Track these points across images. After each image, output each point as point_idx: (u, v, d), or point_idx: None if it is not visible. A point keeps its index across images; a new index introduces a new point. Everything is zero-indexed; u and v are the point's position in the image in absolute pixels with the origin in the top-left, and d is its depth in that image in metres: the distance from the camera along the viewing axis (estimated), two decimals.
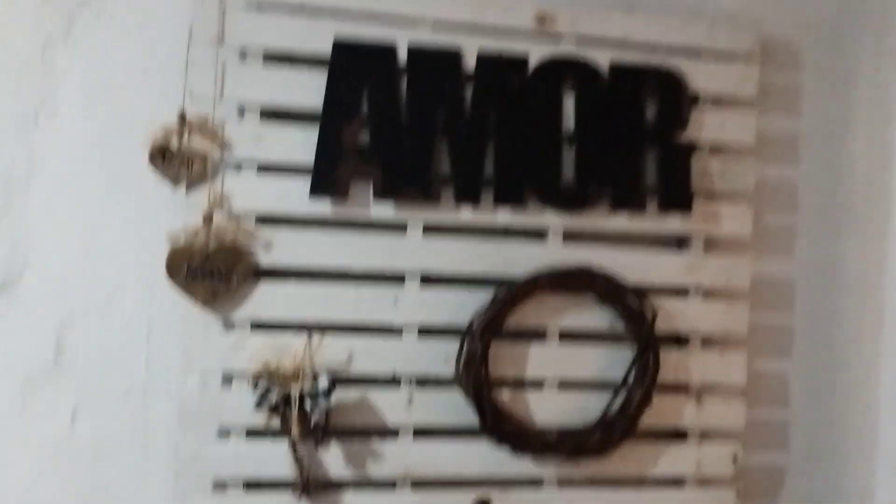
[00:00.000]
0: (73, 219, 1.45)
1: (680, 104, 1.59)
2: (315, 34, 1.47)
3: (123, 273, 1.47)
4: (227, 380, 1.45)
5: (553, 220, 1.55)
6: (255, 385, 1.41)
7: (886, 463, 1.71)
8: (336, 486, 1.47)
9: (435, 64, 1.50)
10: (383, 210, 1.49)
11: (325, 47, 1.46)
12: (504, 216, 1.54)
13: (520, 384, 1.55)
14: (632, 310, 1.55)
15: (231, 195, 1.43)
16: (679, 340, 1.62)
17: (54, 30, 1.45)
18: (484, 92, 1.52)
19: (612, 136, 1.56)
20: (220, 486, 1.44)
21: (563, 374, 1.56)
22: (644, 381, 1.55)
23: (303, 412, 1.40)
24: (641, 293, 1.56)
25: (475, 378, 1.48)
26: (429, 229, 1.52)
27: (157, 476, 1.47)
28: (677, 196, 1.59)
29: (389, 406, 1.49)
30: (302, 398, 1.40)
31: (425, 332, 1.51)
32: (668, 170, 1.59)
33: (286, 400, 1.40)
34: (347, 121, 1.46)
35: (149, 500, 1.47)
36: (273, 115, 1.47)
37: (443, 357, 1.51)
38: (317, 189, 1.45)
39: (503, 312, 1.50)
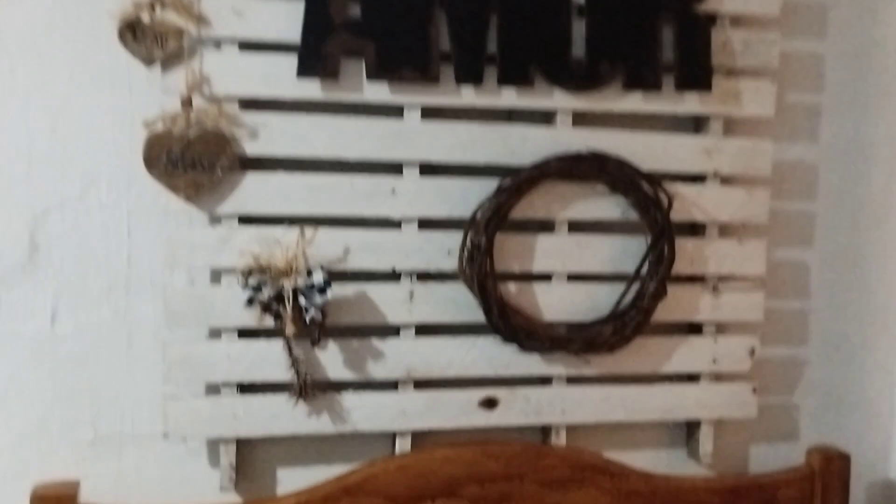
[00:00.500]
0: (37, 106, 1.33)
1: None
2: None
3: (97, 163, 1.35)
4: (216, 277, 1.36)
5: (562, 101, 1.44)
6: (246, 282, 1.31)
7: None
8: (335, 387, 1.40)
9: None
10: (378, 92, 1.37)
11: None
12: (509, 97, 1.42)
13: (527, 277, 1.46)
14: (646, 197, 1.45)
15: (211, 76, 1.31)
16: (695, 229, 1.53)
17: None
18: None
19: (626, 7, 1.43)
20: (213, 388, 1.36)
21: (573, 266, 1.47)
22: (658, 272, 1.46)
23: (297, 309, 1.31)
24: (656, 179, 1.45)
25: (480, 272, 1.39)
26: (427, 113, 1.40)
27: (145, 378, 1.39)
28: (696, 73, 1.47)
29: (389, 302, 1.40)
30: (296, 294, 1.31)
31: (426, 224, 1.41)
32: (686, 44, 1.46)
33: (279, 297, 1.31)
34: None
35: (138, 405, 1.39)
36: None
37: (445, 250, 1.41)
38: (305, 68, 1.33)
39: (509, 202, 1.40)
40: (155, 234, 1.36)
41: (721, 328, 1.54)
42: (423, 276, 1.42)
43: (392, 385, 1.43)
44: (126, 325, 1.38)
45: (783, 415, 1.66)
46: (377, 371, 1.41)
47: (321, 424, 1.39)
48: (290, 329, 1.30)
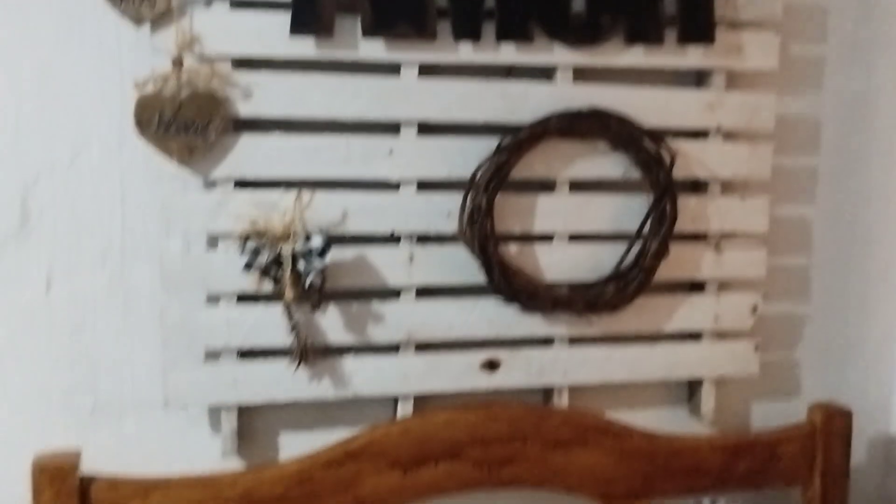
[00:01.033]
0: (22, 67, 1.28)
1: None
2: None
3: (87, 127, 1.31)
4: (212, 242, 1.33)
5: (562, 56, 1.40)
6: (244, 246, 1.29)
7: None
8: (336, 351, 1.38)
9: None
10: (373, 49, 1.33)
11: None
12: (508, 53, 1.38)
13: (528, 238, 1.44)
14: (648, 155, 1.43)
15: (202, 35, 1.26)
16: (697, 186, 1.51)
17: None
18: None
19: None
20: (213, 355, 1.34)
21: (574, 225, 1.45)
22: (660, 230, 1.44)
23: (296, 273, 1.29)
24: (658, 136, 1.43)
25: (480, 233, 1.36)
26: (425, 70, 1.36)
27: (143, 345, 1.37)
28: (698, 26, 1.43)
29: (389, 265, 1.38)
30: (295, 258, 1.28)
31: (424, 185, 1.38)
32: None
33: (277, 261, 1.29)
34: None
35: (136, 372, 1.37)
36: None
37: (444, 212, 1.39)
38: (298, 26, 1.29)
39: (509, 162, 1.37)
40: (149, 199, 1.33)
41: (723, 286, 1.53)
42: (423, 239, 1.40)
43: (393, 348, 1.41)
44: (122, 292, 1.36)
45: (785, 372, 1.66)
46: (378, 335, 1.39)
47: (322, 389, 1.38)
48: (289, 294, 1.28)
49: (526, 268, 1.43)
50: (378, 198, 1.37)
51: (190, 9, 1.26)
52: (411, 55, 1.35)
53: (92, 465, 1.27)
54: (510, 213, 1.41)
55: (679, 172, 1.45)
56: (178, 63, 1.25)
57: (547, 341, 1.47)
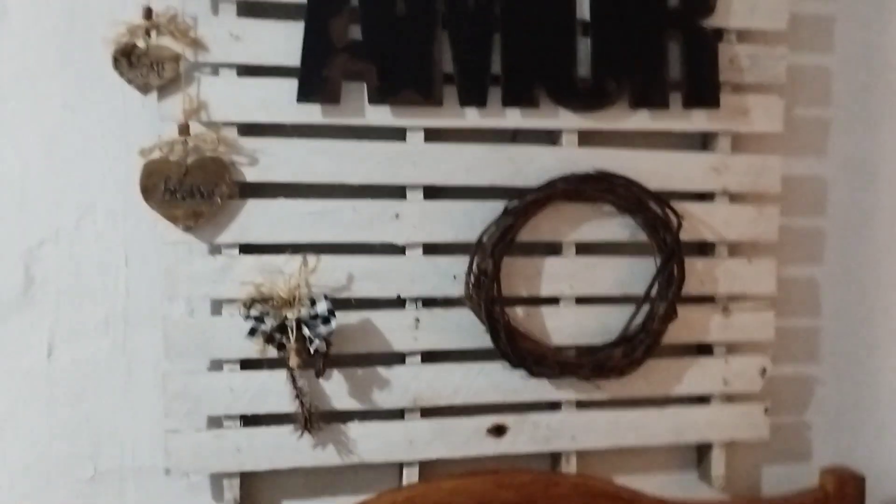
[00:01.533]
0: (31, 134, 1.30)
1: None
2: None
3: (93, 193, 1.32)
4: (216, 307, 1.32)
5: (567, 120, 1.41)
6: (248, 312, 1.28)
7: None
8: (340, 417, 1.36)
9: None
10: (380, 115, 1.34)
11: None
12: (513, 118, 1.39)
13: (535, 301, 1.43)
14: (654, 217, 1.42)
15: (209, 102, 1.27)
16: (704, 248, 1.50)
17: None
18: None
19: (631, 24, 1.40)
20: (215, 421, 1.33)
21: (581, 289, 1.44)
22: (668, 293, 1.43)
23: (301, 340, 1.27)
24: (664, 199, 1.42)
25: (487, 296, 1.35)
26: (431, 135, 1.37)
27: (145, 412, 1.36)
28: (703, 90, 1.44)
29: (395, 330, 1.37)
30: (300, 325, 1.27)
31: (430, 248, 1.38)
32: (693, 60, 1.43)
33: (282, 327, 1.27)
34: (336, 14, 1.29)
35: (137, 438, 1.36)
36: (252, 9, 1.30)
37: (450, 275, 1.38)
38: (305, 93, 1.29)
39: (515, 225, 1.37)
40: (153, 265, 1.33)
41: (731, 348, 1.52)
42: (429, 302, 1.39)
43: (398, 414, 1.39)
44: (125, 358, 1.35)
45: (795, 435, 1.64)
46: (383, 400, 1.37)
47: (327, 456, 1.36)
48: (294, 361, 1.27)
49: (533, 331, 1.42)
50: (384, 262, 1.36)
51: (197, 76, 1.27)
52: (417, 120, 1.35)
53: None
54: (517, 276, 1.40)
55: (686, 235, 1.44)
56: (184, 130, 1.26)
57: (554, 406, 1.45)
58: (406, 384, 1.38)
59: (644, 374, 1.45)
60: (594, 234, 1.44)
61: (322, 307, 1.28)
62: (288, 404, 1.31)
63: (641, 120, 1.43)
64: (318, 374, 1.31)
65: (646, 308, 1.44)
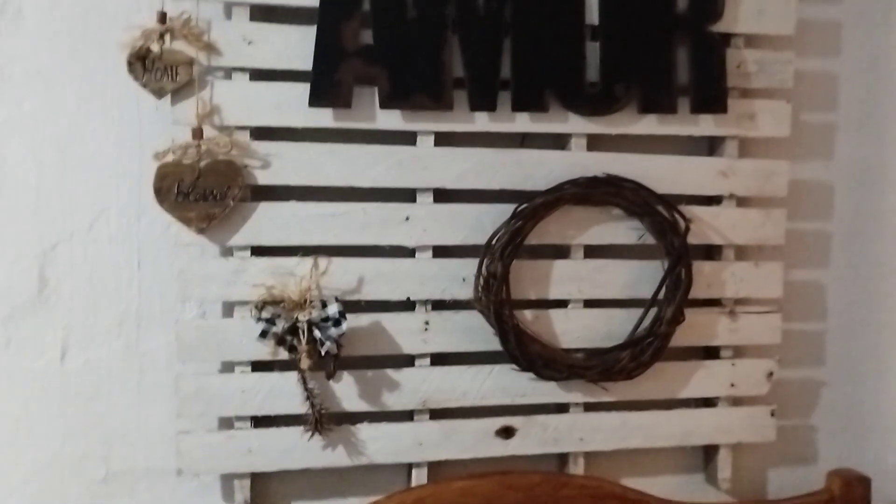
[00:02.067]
0: (45, 137, 1.31)
1: None
2: None
3: (107, 196, 1.33)
4: (228, 309, 1.34)
5: (576, 125, 1.42)
6: (259, 315, 1.29)
7: None
8: (350, 418, 1.37)
9: None
10: (390, 119, 1.35)
11: None
12: (523, 123, 1.40)
13: (543, 304, 1.44)
14: (662, 221, 1.43)
15: (222, 106, 1.29)
16: (711, 252, 1.51)
17: None
18: None
19: (640, 29, 1.41)
20: (226, 422, 1.34)
21: (589, 292, 1.45)
22: (675, 296, 1.44)
23: (312, 342, 1.28)
24: (672, 203, 1.44)
25: (496, 299, 1.36)
26: (441, 139, 1.38)
27: (157, 413, 1.37)
28: (711, 95, 1.45)
29: (404, 332, 1.38)
30: (310, 327, 1.28)
31: (440, 251, 1.39)
32: (700, 65, 1.44)
33: (293, 329, 1.28)
34: (348, 18, 1.30)
35: (149, 439, 1.37)
36: (265, 13, 1.31)
37: (460, 278, 1.39)
38: (317, 97, 1.31)
39: (524, 228, 1.38)
40: (166, 267, 1.34)
41: (738, 351, 1.52)
42: (438, 305, 1.40)
43: (408, 415, 1.40)
44: (138, 359, 1.36)
45: (802, 438, 1.64)
46: (392, 402, 1.38)
47: (336, 457, 1.37)
48: (304, 363, 1.28)
49: (541, 334, 1.43)
50: (394, 264, 1.37)
51: (210, 80, 1.28)
52: (428, 125, 1.36)
53: None
54: (525, 279, 1.42)
55: (693, 238, 1.45)
56: (197, 133, 1.27)
57: (562, 408, 1.46)
58: (415, 386, 1.39)
59: (652, 376, 1.46)
60: (602, 237, 1.45)
61: (333, 309, 1.29)
62: (298, 406, 1.32)
63: (649, 124, 1.44)
64: (329, 375, 1.32)
65: (653, 311, 1.45)
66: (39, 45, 1.30)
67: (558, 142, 1.44)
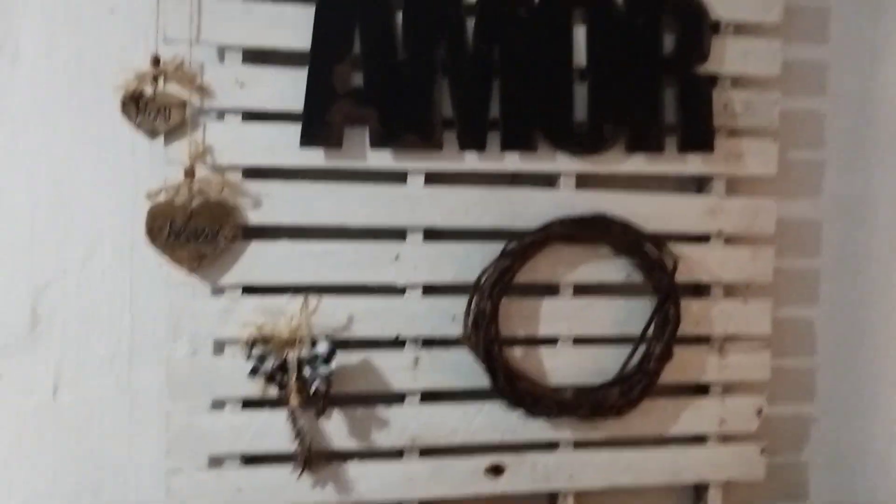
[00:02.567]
0: (40, 176, 1.33)
1: (700, 33, 1.46)
2: None
3: (100, 234, 1.35)
4: (219, 347, 1.35)
5: (565, 164, 1.43)
6: (250, 352, 1.30)
7: None
8: (340, 456, 1.38)
9: None
10: (381, 159, 1.37)
11: None
12: (512, 162, 1.41)
13: (532, 342, 1.45)
14: (650, 259, 1.45)
15: (214, 147, 1.30)
16: (700, 289, 1.52)
17: None
18: (487, 24, 1.38)
19: (628, 71, 1.43)
20: (216, 460, 1.35)
21: (578, 329, 1.46)
22: (664, 334, 1.45)
23: (302, 380, 1.29)
24: (660, 241, 1.45)
25: (485, 337, 1.37)
26: (431, 179, 1.39)
27: (147, 450, 1.38)
28: (698, 134, 1.47)
29: (394, 370, 1.39)
30: (300, 365, 1.29)
31: (430, 289, 1.40)
32: (688, 106, 1.46)
33: (283, 367, 1.29)
34: (339, 61, 1.33)
35: (139, 476, 1.38)
36: (257, 56, 1.33)
37: (449, 316, 1.40)
38: (308, 137, 1.32)
39: (513, 266, 1.39)
40: (158, 304, 1.36)
41: (728, 388, 1.53)
42: (428, 343, 1.41)
43: (397, 453, 1.41)
44: (129, 396, 1.37)
45: (792, 474, 1.65)
46: (382, 439, 1.39)
47: (326, 495, 1.37)
48: (294, 400, 1.29)
49: (530, 371, 1.44)
50: (384, 302, 1.39)
51: (203, 121, 1.30)
52: (418, 164, 1.38)
53: None
54: (515, 316, 1.43)
55: (682, 276, 1.46)
56: (190, 173, 1.28)
57: (552, 445, 1.47)
58: (405, 424, 1.40)
59: (641, 413, 1.47)
60: (591, 275, 1.46)
61: (322, 348, 1.30)
62: (288, 443, 1.33)
63: (638, 163, 1.46)
64: (318, 413, 1.33)
65: (642, 348, 1.46)
66: (36, 85, 1.32)
67: (547, 180, 1.45)
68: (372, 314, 1.37)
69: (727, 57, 1.48)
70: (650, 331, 1.46)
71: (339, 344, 1.32)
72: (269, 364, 1.29)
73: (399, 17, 1.35)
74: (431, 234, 1.40)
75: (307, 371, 1.29)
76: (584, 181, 1.45)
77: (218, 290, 1.33)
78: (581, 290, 1.46)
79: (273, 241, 1.34)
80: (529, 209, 1.42)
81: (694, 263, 1.49)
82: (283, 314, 1.32)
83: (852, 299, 1.66)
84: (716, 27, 1.48)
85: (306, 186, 1.35)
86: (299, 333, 1.31)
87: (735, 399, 1.53)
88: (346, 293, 1.37)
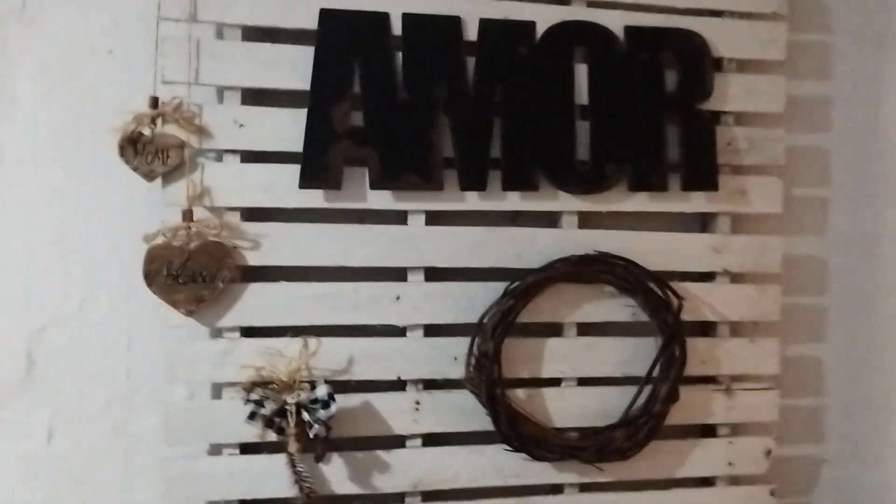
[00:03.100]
0: (37, 219, 1.32)
1: (702, 70, 1.45)
2: (299, 4, 1.32)
3: (97, 278, 1.34)
4: (217, 391, 1.33)
5: (567, 203, 1.42)
6: (248, 396, 1.28)
7: None
8: (341, 501, 1.35)
9: (433, 33, 1.35)
10: (381, 199, 1.35)
11: (310, 19, 1.31)
12: (513, 201, 1.40)
13: (536, 383, 1.42)
14: (655, 298, 1.43)
15: (212, 188, 1.29)
16: (706, 328, 1.50)
17: (7, 5, 1.30)
18: (488, 63, 1.37)
19: (630, 108, 1.42)
20: None
21: (583, 370, 1.44)
22: (670, 374, 1.42)
23: (301, 424, 1.27)
24: (664, 281, 1.43)
25: (488, 378, 1.35)
26: (432, 219, 1.38)
27: (144, 496, 1.36)
28: (702, 172, 1.45)
29: (395, 412, 1.37)
30: (299, 409, 1.27)
31: (431, 330, 1.38)
32: (691, 143, 1.45)
33: (282, 412, 1.27)
34: (338, 101, 1.32)
35: None
36: (255, 97, 1.33)
37: (451, 357, 1.38)
38: (307, 178, 1.31)
39: (516, 307, 1.37)
40: (155, 348, 1.34)
41: (735, 429, 1.50)
42: (430, 385, 1.39)
43: (399, 498, 1.38)
44: (125, 441, 1.35)
45: None
46: (383, 484, 1.37)
47: None
48: (293, 446, 1.26)
49: (534, 413, 1.41)
50: (385, 344, 1.37)
51: (201, 163, 1.29)
52: (418, 204, 1.37)
53: None
54: (518, 357, 1.40)
55: (687, 315, 1.44)
56: (188, 215, 1.27)
57: (557, 489, 1.44)
58: (406, 468, 1.37)
59: (647, 456, 1.44)
60: (595, 314, 1.44)
61: (322, 391, 1.28)
62: (287, 489, 1.30)
63: (641, 201, 1.45)
64: (318, 458, 1.30)
65: (648, 389, 1.44)
66: (33, 127, 1.32)
67: (549, 220, 1.44)
68: (372, 356, 1.36)
69: (730, 94, 1.47)
70: (656, 371, 1.44)
71: (338, 386, 1.30)
72: (268, 408, 1.27)
73: (399, 56, 1.34)
74: (433, 275, 1.38)
75: (306, 415, 1.27)
76: (586, 220, 1.44)
77: (216, 333, 1.31)
78: (585, 329, 1.44)
79: (272, 282, 1.33)
80: (531, 249, 1.41)
81: (699, 302, 1.47)
82: (283, 356, 1.30)
83: (860, 336, 1.63)
84: (718, 64, 1.47)
85: (306, 227, 1.34)
86: (298, 376, 1.29)
87: (743, 440, 1.50)
88: (346, 334, 1.35)
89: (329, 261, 1.34)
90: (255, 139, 1.31)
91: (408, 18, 1.35)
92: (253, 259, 1.31)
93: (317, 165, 1.31)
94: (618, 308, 1.44)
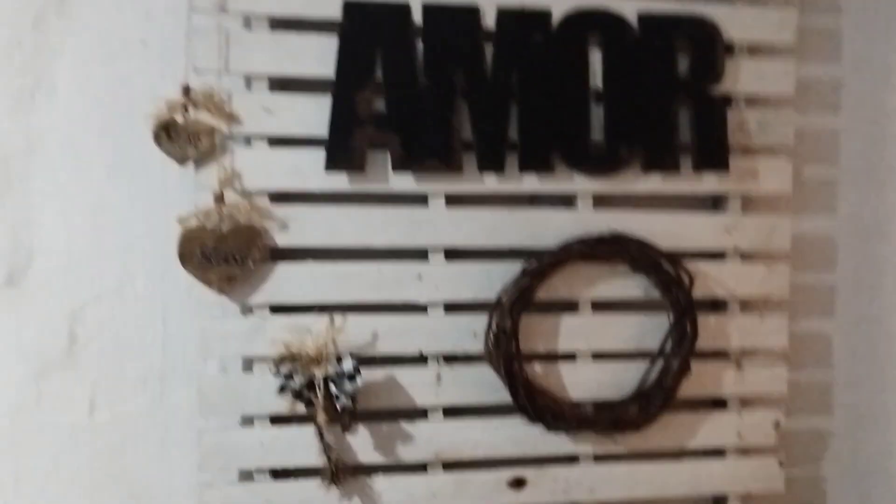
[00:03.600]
0: (76, 203, 1.39)
1: (714, 54, 1.49)
2: None
3: (133, 258, 1.40)
4: (248, 365, 1.39)
5: (582, 184, 1.47)
6: (277, 370, 1.34)
7: None
8: (366, 470, 1.42)
9: (452, 22, 1.40)
10: (403, 182, 1.41)
11: (334, 10, 1.37)
12: (530, 183, 1.45)
13: (552, 358, 1.48)
14: (667, 276, 1.48)
15: (242, 172, 1.35)
16: (717, 305, 1.55)
17: (45, 2, 1.36)
18: (505, 50, 1.42)
19: (643, 92, 1.47)
20: (246, 475, 1.39)
21: (597, 345, 1.49)
22: (682, 349, 1.48)
23: (328, 396, 1.34)
24: (676, 259, 1.48)
25: (506, 353, 1.41)
26: (451, 200, 1.43)
27: (180, 466, 1.42)
28: (713, 153, 1.50)
29: (417, 386, 1.43)
30: (327, 382, 1.34)
31: (452, 307, 1.44)
32: (702, 125, 1.49)
33: (310, 385, 1.34)
34: (361, 88, 1.37)
35: (173, 491, 1.42)
36: (282, 84, 1.39)
37: (471, 333, 1.44)
38: (332, 162, 1.37)
39: (533, 284, 1.43)
40: (189, 325, 1.41)
41: (745, 402, 1.55)
42: (450, 359, 1.45)
43: (421, 467, 1.45)
44: (162, 414, 1.42)
45: (810, 487, 1.67)
46: (406, 454, 1.43)
47: None
48: (321, 417, 1.33)
49: (551, 387, 1.47)
50: (407, 320, 1.43)
51: (231, 147, 1.35)
52: (439, 186, 1.42)
53: None
54: (534, 333, 1.46)
55: (698, 292, 1.49)
56: (219, 199, 1.33)
57: (573, 459, 1.50)
58: (429, 439, 1.44)
59: (660, 427, 1.50)
60: (609, 292, 1.49)
61: (348, 365, 1.34)
62: (316, 458, 1.37)
63: (653, 183, 1.49)
64: (345, 429, 1.37)
65: (660, 364, 1.49)
66: (72, 117, 1.38)
67: (565, 201, 1.49)
68: (395, 332, 1.42)
69: (741, 77, 1.51)
70: (668, 346, 1.49)
71: (364, 361, 1.37)
72: (297, 381, 1.34)
73: (419, 45, 1.39)
74: (453, 254, 1.44)
75: (333, 388, 1.34)
76: (601, 201, 1.48)
77: (247, 310, 1.38)
78: (600, 306, 1.49)
79: (300, 262, 1.39)
80: (548, 229, 1.46)
81: (710, 280, 1.52)
82: (310, 332, 1.37)
83: (868, 314, 1.67)
84: (730, 48, 1.51)
85: (331, 209, 1.39)
86: (326, 351, 1.35)
87: (753, 413, 1.55)
88: (370, 312, 1.41)
89: (353, 241, 1.40)
90: (282, 125, 1.37)
91: (428, 8, 1.39)
92: (281, 240, 1.37)
93: (341, 149, 1.37)
94: (631, 285, 1.50)
